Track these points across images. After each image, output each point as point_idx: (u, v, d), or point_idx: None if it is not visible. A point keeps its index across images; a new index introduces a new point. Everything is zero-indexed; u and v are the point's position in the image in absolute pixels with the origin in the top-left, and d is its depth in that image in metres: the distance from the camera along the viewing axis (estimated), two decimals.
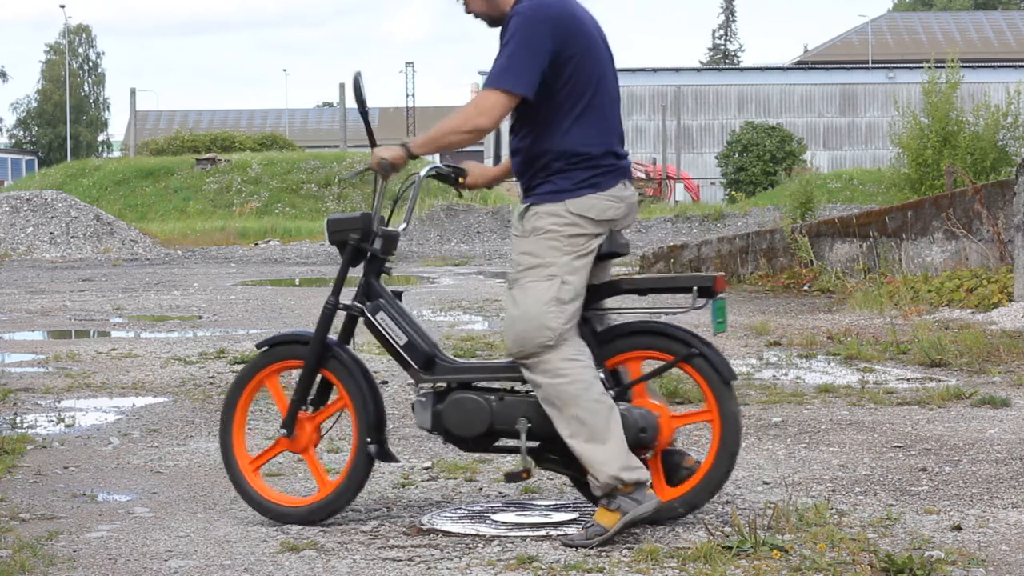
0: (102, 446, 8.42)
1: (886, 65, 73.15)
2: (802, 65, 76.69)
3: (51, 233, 33.52)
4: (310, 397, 6.38)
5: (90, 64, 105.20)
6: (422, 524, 6.29)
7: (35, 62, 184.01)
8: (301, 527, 6.30)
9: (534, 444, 6.03)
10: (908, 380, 10.81)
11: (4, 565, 5.63)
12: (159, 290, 21.49)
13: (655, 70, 70.38)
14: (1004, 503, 6.64)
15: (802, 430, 8.69)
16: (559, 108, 5.75)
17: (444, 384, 6.12)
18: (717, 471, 6.04)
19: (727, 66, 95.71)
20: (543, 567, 5.55)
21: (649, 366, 6.06)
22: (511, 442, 6.05)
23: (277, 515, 6.35)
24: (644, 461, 5.91)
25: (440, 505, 6.72)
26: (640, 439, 5.87)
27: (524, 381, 5.94)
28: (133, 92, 55.40)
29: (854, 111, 69.47)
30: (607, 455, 5.70)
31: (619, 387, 5.97)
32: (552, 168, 5.78)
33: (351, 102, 79.12)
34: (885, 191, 32.97)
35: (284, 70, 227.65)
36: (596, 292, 5.96)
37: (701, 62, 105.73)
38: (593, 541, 5.76)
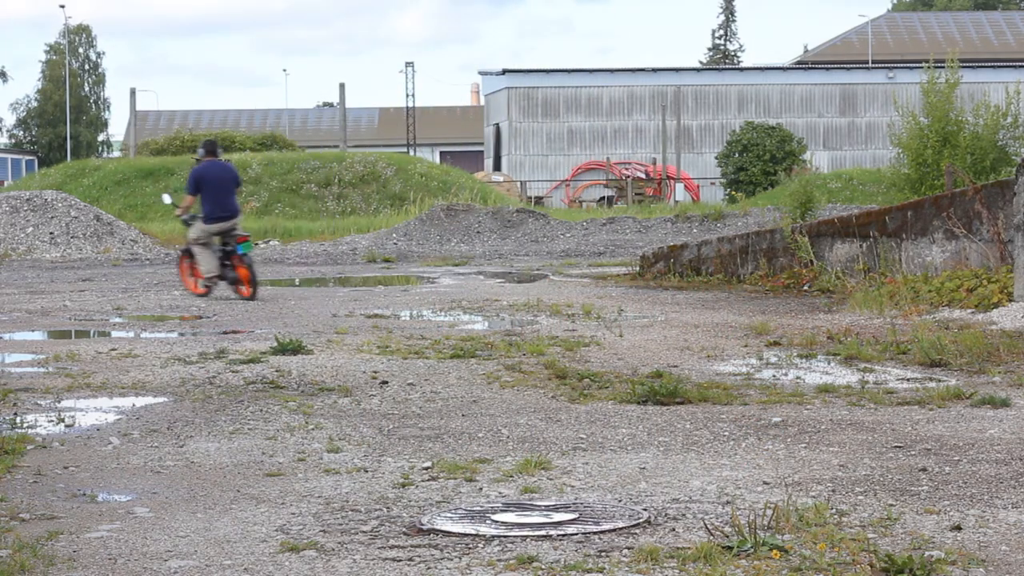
0: (102, 446, 8.42)
1: (886, 65, 73.15)
2: (802, 65, 76.68)
3: (51, 233, 33.53)
4: None
5: (90, 64, 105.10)
6: (422, 524, 6.29)
7: (35, 62, 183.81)
8: (301, 527, 6.30)
9: None
10: (908, 380, 10.81)
11: (4, 565, 5.63)
12: (159, 290, 21.49)
13: (655, 70, 70.36)
14: (1004, 503, 6.64)
15: (802, 430, 8.69)
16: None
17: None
18: None
19: (727, 66, 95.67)
20: (543, 567, 5.55)
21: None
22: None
23: None
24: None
25: (440, 505, 6.73)
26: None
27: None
28: (133, 92, 55.40)
29: (854, 111, 69.47)
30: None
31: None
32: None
33: (351, 102, 78.71)
34: (885, 191, 32.98)
35: (284, 70, 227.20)
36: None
37: (701, 62, 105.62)
38: None
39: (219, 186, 19.61)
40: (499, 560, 5.66)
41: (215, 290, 19.69)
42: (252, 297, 19.23)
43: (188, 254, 20.04)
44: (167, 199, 21.78)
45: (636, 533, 6.06)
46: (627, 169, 64.39)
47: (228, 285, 19.57)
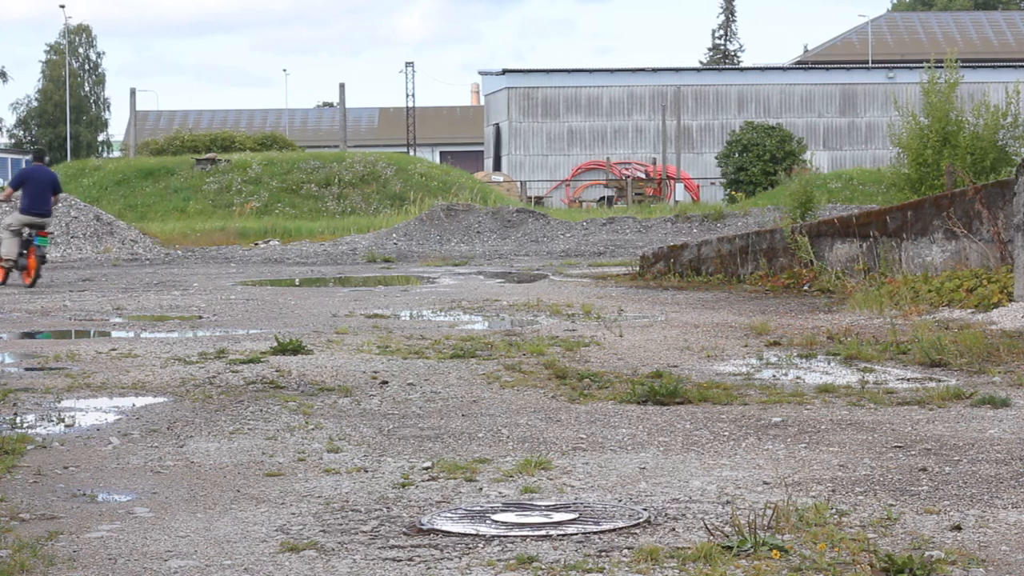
0: (102, 446, 8.42)
1: (886, 65, 73.16)
2: (802, 65, 76.69)
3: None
4: None
5: (90, 64, 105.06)
6: (422, 524, 6.29)
7: (35, 62, 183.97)
8: (301, 527, 6.29)
9: None
10: (908, 380, 10.81)
11: (4, 565, 5.63)
12: (159, 290, 21.50)
13: (655, 70, 70.38)
14: (1004, 503, 6.64)
15: (802, 430, 8.69)
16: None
17: None
18: None
19: (727, 66, 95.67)
20: (543, 567, 5.55)
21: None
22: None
23: None
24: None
25: (440, 505, 6.73)
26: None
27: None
28: (133, 92, 55.42)
29: (854, 111, 69.48)
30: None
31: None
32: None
33: (351, 102, 78.83)
34: (885, 191, 32.97)
35: (284, 70, 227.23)
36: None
37: (701, 62, 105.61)
38: None
39: (38, 187, 23.03)
40: (499, 560, 5.66)
41: (10, 277, 22.83)
42: (31, 285, 22.34)
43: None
44: None
45: (636, 533, 6.06)
46: (627, 169, 64.41)
47: (18, 272, 22.79)
